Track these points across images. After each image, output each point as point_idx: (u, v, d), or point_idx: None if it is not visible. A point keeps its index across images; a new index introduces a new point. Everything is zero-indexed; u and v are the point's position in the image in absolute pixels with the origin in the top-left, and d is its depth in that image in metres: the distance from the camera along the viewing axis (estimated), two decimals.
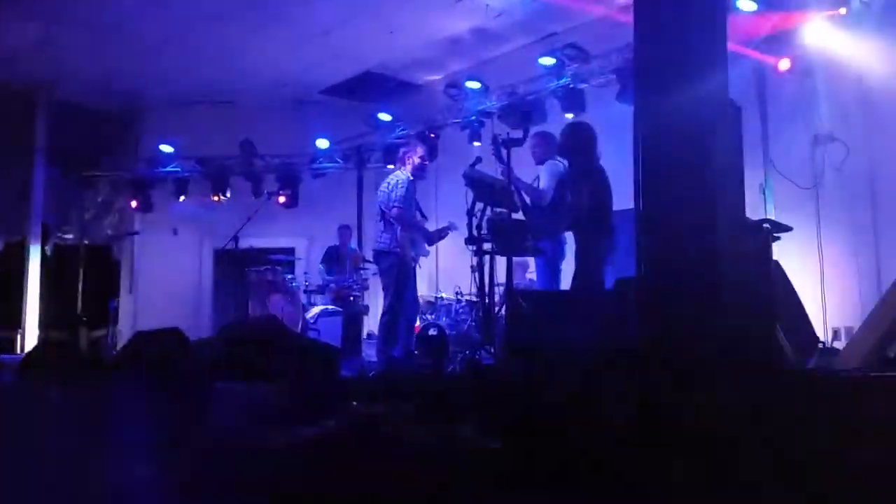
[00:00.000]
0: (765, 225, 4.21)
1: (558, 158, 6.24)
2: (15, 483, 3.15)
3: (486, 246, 5.98)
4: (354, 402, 3.23)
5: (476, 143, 9.36)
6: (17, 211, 10.87)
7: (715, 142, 2.81)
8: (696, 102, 2.81)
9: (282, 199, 11.07)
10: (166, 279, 11.19)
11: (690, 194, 2.75)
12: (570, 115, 8.38)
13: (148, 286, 11.37)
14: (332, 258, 9.60)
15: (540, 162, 6.52)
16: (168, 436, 3.08)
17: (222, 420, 3.78)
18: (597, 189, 5.89)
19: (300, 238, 11.00)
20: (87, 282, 10.51)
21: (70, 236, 11.57)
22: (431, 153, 9.88)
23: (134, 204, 11.48)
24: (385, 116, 10.44)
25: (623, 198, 5.88)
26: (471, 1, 8.61)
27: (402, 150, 7.18)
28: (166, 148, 11.25)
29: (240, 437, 3.37)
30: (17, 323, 10.22)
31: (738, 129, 2.94)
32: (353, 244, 9.95)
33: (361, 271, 9.29)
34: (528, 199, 6.25)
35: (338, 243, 9.76)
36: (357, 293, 9.19)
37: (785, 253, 4.81)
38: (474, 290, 6.81)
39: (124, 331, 10.44)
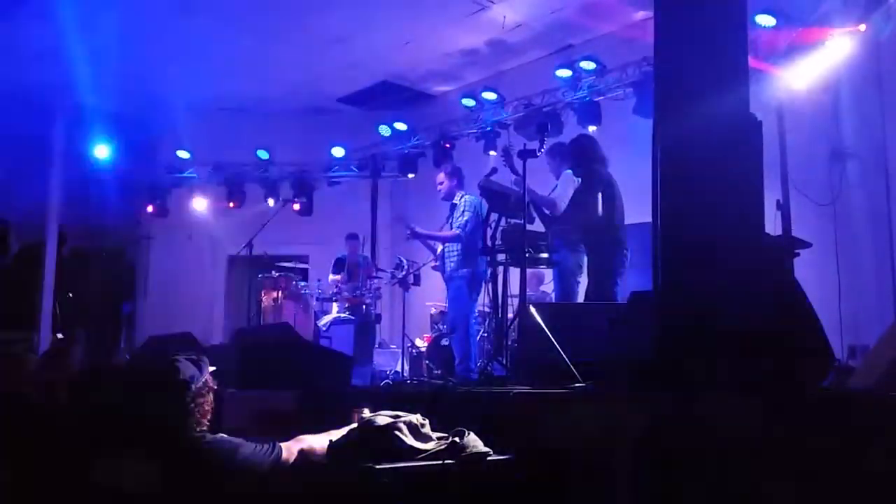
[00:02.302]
0: (784, 241, 4.18)
1: (596, 168, 6.18)
2: (22, 485, 3.15)
3: (501, 257, 5.97)
4: (366, 411, 3.22)
5: (492, 153, 9.36)
6: (33, 214, 10.93)
7: (735, 156, 2.80)
8: (717, 117, 2.80)
9: (296, 207, 11.11)
10: (180, 284, 11.23)
11: (709, 209, 2.73)
12: (593, 128, 8.36)
13: (162, 291, 11.41)
14: (340, 268, 9.52)
15: (557, 175, 6.53)
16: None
17: (234, 425, 3.77)
18: (607, 201, 5.88)
19: (314, 246, 11.00)
20: (101, 286, 10.57)
21: (86, 240, 11.63)
22: (446, 164, 9.91)
23: (150, 209, 11.55)
24: (401, 126, 10.46)
25: (639, 211, 5.87)
26: (488, 13, 8.63)
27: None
28: (183, 154, 11.33)
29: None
30: (32, 325, 10.26)
31: (759, 143, 2.92)
32: (364, 253, 9.85)
33: (375, 280, 9.27)
34: (546, 210, 6.24)
35: (346, 253, 9.67)
36: (369, 301, 9.17)
37: (802, 269, 4.78)
38: (488, 300, 6.80)
39: (138, 335, 10.47)
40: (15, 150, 10.37)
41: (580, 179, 6.11)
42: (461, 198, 6.98)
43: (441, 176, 7.24)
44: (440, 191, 7.19)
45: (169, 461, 2.67)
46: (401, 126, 10.47)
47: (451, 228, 6.89)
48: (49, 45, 9.37)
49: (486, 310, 7.23)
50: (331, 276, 9.43)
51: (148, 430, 2.76)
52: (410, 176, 10.69)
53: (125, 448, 2.68)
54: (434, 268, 7.41)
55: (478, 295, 6.86)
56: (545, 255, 6.04)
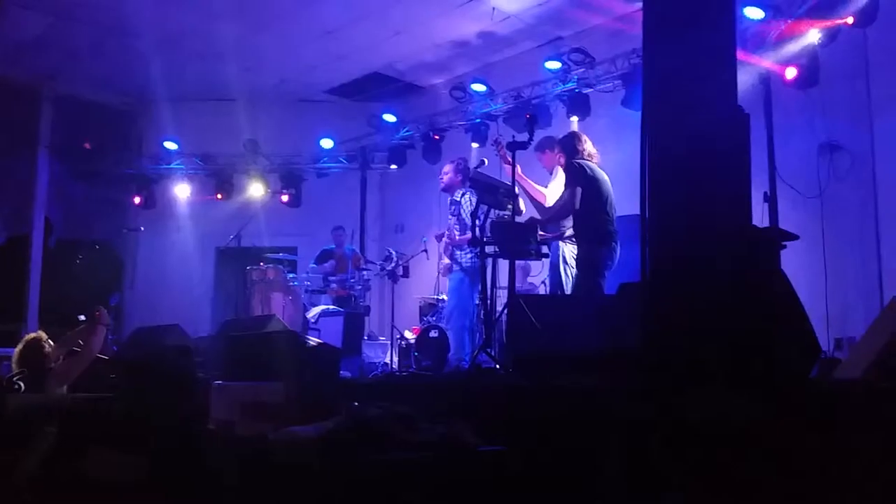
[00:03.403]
0: (771, 233, 4.20)
1: (575, 162, 6.15)
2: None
3: (489, 249, 5.97)
4: (355, 403, 3.23)
5: (474, 145, 9.36)
6: (20, 205, 10.87)
7: (723, 149, 2.80)
8: (705, 109, 2.81)
9: (285, 199, 11.10)
10: (168, 276, 11.18)
11: (697, 201, 2.74)
12: (574, 119, 8.38)
13: (149, 283, 11.36)
14: (326, 258, 9.49)
15: (550, 170, 6.55)
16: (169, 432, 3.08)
17: (222, 417, 3.77)
18: (588, 195, 5.87)
19: (302, 237, 10.97)
20: (88, 277, 10.51)
21: (73, 231, 11.58)
22: (435, 155, 9.92)
23: (137, 200, 11.49)
24: (390, 117, 10.44)
25: (628, 203, 5.88)
26: (478, 4, 8.62)
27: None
28: (171, 145, 11.27)
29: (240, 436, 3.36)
30: (19, 317, 10.22)
31: (747, 136, 2.93)
32: (352, 245, 9.83)
33: (363, 272, 9.26)
34: (537, 202, 6.25)
35: (333, 245, 9.65)
36: (358, 293, 9.16)
37: (788, 261, 4.80)
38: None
39: (125, 326, 10.42)
40: (1, 140, 10.32)
41: (566, 174, 6.12)
42: (464, 195, 7.00)
43: (448, 167, 7.24)
44: (442, 181, 7.18)
45: (180, 451, 2.68)
46: (390, 117, 10.44)
47: (466, 227, 6.91)
48: (35, 34, 9.30)
49: (475, 302, 7.23)
50: (311, 265, 9.38)
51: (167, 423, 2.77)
52: (397, 167, 10.68)
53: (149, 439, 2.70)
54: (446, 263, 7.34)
55: (478, 287, 6.89)
56: (534, 247, 6.03)
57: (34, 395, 4.66)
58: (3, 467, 3.55)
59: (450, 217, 7.13)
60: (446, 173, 7.17)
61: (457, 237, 6.87)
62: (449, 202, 7.20)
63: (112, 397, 4.46)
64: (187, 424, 3.01)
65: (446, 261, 7.10)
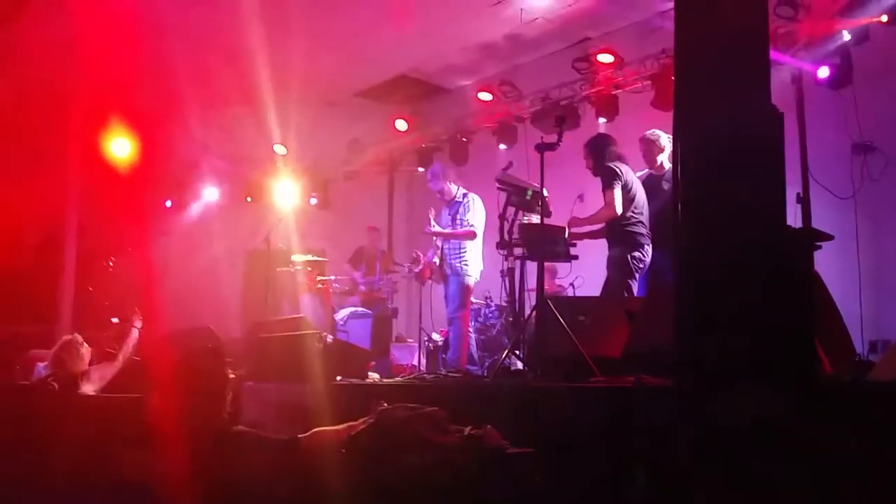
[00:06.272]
0: (805, 234, 4.14)
1: (607, 165, 6.07)
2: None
3: (517, 251, 5.95)
4: (384, 405, 3.23)
5: (503, 146, 9.36)
6: (53, 207, 11.02)
7: (756, 149, 2.77)
8: (738, 109, 2.78)
9: (313, 201, 11.15)
10: (198, 278, 11.26)
11: (730, 201, 2.71)
12: (603, 120, 8.34)
13: (179, 285, 11.45)
14: (360, 258, 9.59)
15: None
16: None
17: (253, 418, 3.80)
18: (626, 196, 5.83)
19: (330, 239, 11.02)
20: (119, 279, 10.62)
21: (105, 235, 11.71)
22: (462, 157, 9.92)
23: (168, 203, 11.62)
24: (402, 124, 10.48)
25: None
26: (505, 6, 8.60)
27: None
28: (201, 148, 11.37)
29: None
30: (53, 319, 10.36)
31: (781, 135, 2.90)
32: (382, 246, 9.92)
33: (392, 274, 9.30)
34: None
35: (367, 243, 9.75)
36: (386, 295, 9.20)
37: (822, 262, 4.73)
38: (504, 294, 6.79)
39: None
40: (37, 144, 10.46)
41: (600, 179, 6.07)
42: (466, 195, 7.00)
43: (437, 174, 7.31)
44: (441, 191, 7.24)
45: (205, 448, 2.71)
46: (402, 124, 10.49)
47: (463, 227, 6.91)
48: (65, 37, 9.42)
49: (503, 304, 7.23)
50: (347, 266, 9.46)
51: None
52: (424, 170, 10.70)
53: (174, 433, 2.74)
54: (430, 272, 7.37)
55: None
56: (562, 248, 6.00)
57: (68, 396, 4.73)
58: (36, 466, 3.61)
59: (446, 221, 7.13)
60: (436, 180, 7.25)
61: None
62: (442, 202, 7.20)
63: (143, 399, 4.51)
64: (218, 426, 3.03)
65: (437, 260, 7.11)
